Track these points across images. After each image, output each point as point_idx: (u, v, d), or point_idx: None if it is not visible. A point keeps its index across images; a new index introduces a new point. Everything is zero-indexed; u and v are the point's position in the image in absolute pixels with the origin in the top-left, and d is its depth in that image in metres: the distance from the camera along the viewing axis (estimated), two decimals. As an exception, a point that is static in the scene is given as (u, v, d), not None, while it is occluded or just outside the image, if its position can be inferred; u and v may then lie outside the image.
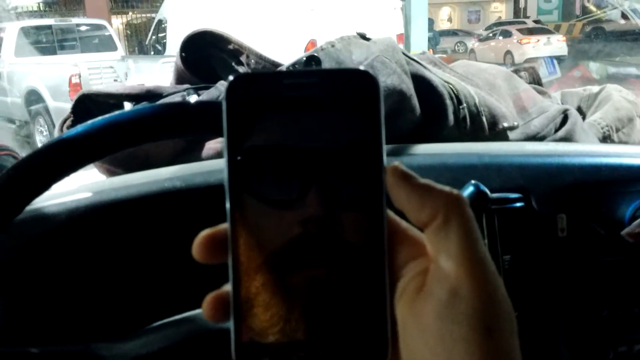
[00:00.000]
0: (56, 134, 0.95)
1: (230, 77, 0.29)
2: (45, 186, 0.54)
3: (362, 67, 0.35)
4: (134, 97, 0.96)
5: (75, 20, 9.79)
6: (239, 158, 0.28)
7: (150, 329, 0.58)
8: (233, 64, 0.98)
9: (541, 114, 1.04)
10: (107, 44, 8.77)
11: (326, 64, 0.86)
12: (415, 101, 0.89)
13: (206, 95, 0.92)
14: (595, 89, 1.25)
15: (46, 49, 8.60)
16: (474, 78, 1.03)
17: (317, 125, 0.28)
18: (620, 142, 1.12)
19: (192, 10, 7.42)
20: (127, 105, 0.97)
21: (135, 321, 0.59)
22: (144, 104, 0.93)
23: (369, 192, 0.29)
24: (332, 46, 0.90)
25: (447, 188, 0.29)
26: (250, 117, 0.28)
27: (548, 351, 0.78)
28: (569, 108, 1.07)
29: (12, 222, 0.55)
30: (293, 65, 0.88)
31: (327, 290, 0.28)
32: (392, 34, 6.56)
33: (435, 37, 17.88)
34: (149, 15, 16.65)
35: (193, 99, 0.93)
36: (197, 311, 0.58)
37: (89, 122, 0.55)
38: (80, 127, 0.55)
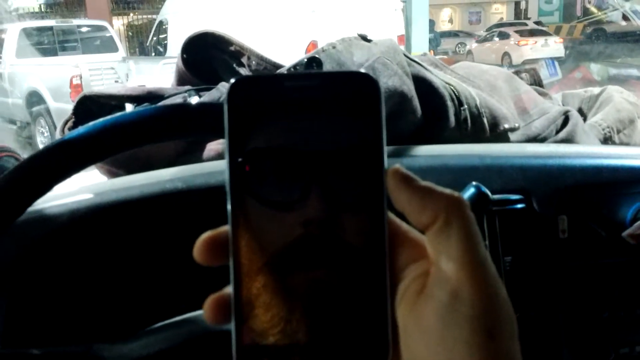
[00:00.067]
0: (58, 135, 0.95)
1: (232, 80, 0.29)
2: (47, 188, 0.55)
3: (363, 69, 0.36)
4: (136, 99, 0.96)
5: (76, 22, 9.78)
6: (240, 160, 0.28)
7: (152, 331, 0.58)
8: (234, 65, 0.98)
9: (542, 115, 1.04)
10: (108, 45, 8.77)
11: (327, 66, 0.86)
12: (416, 102, 0.89)
13: (207, 96, 0.92)
14: (596, 90, 1.25)
15: (47, 50, 8.60)
16: (475, 79, 1.03)
17: (319, 127, 0.29)
18: (622, 143, 1.11)
19: (193, 12, 7.44)
20: (129, 107, 0.98)
21: (137, 322, 0.59)
22: (145, 106, 0.93)
23: (370, 194, 0.29)
24: (333, 47, 0.90)
25: (447, 191, 0.29)
26: (251, 119, 0.29)
27: (549, 353, 0.78)
28: (570, 109, 1.07)
29: (14, 224, 0.55)
30: (294, 66, 0.88)
31: (328, 292, 0.28)
32: (393, 35, 6.57)
33: (436, 39, 17.90)
34: (150, 16, 16.66)
35: (194, 100, 0.93)
36: (198, 312, 0.58)
37: (91, 123, 0.56)
38: (81, 129, 0.55)
